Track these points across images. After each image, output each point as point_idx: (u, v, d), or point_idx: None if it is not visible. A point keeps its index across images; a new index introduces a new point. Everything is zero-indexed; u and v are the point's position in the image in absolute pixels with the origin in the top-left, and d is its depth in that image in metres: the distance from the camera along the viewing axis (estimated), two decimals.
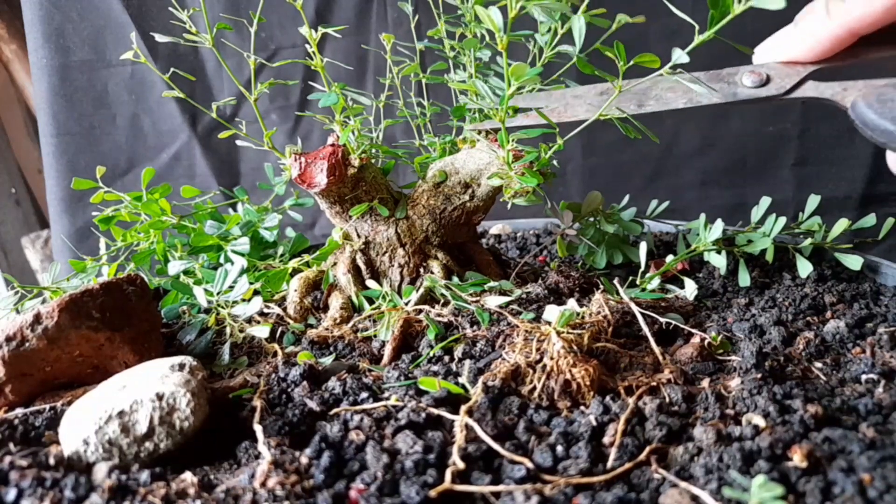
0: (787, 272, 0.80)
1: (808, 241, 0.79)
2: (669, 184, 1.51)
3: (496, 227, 1.16)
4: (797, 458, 0.41)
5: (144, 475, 0.41)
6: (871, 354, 0.58)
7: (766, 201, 0.83)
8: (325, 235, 1.32)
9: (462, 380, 0.53)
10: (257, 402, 0.50)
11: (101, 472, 0.42)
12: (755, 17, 0.55)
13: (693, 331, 0.61)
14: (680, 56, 0.55)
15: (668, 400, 0.49)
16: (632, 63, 0.56)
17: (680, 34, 0.64)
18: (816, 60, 0.60)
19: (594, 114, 0.64)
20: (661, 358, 0.56)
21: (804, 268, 0.75)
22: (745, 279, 0.75)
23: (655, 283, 0.71)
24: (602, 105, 0.64)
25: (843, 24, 0.56)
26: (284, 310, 0.72)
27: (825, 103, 0.61)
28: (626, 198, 0.89)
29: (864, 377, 0.54)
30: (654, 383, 0.51)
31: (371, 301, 0.71)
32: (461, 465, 0.41)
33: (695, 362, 0.57)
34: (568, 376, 0.50)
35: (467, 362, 0.56)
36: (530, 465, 0.42)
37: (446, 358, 0.60)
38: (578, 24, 0.58)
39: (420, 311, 0.66)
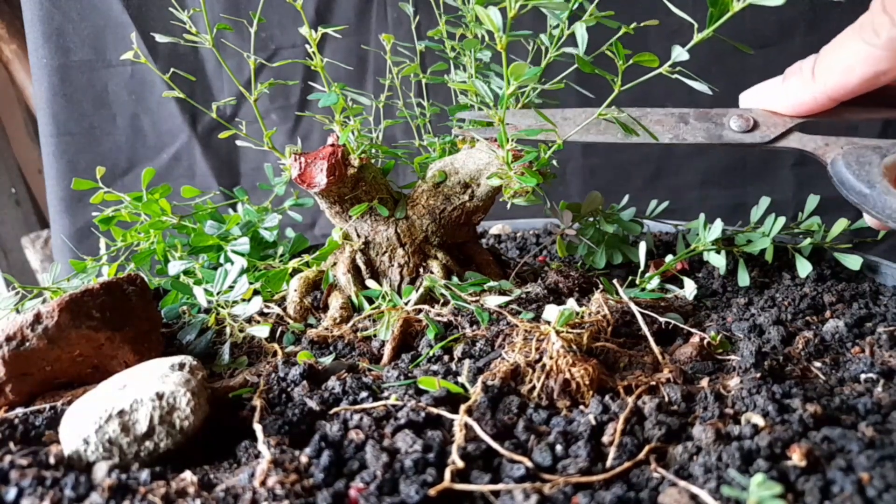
0: (786, 272, 0.80)
1: (808, 240, 0.80)
2: (669, 184, 1.51)
3: (496, 227, 1.16)
4: (796, 457, 0.41)
5: (144, 474, 0.42)
6: (870, 354, 0.58)
7: (765, 201, 0.83)
8: (325, 235, 1.32)
9: (461, 379, 0.53)
10: (257, 402, 0.50)
11: (101, 471, 0.42)
12: (755, 15, 0.55)
13: (692, 330, 0.61)
14: (680, 54, 0.55)
15: (667, 399, 0.49)
16: (631, 62, 0.56)
17: (680, 33, 0.64)
18: (800, 117, 0.63)
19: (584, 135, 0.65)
20: (660, 357, 0.56)
21: (804, 268, 0.75)
22: (744, 279, 0.75)
23: (655, 282, 0.71)
24: (598, 126, 0.65)
25: (825, 90, 0.59)
26: (284, 310, 0.72)
27: (808, 155, 0.63)
28: (626, 198, 0.89)
29: (863, 376, 0.54)
30: (654, 383, 0.51)
31: (371, 301, 0.71)
32: (460, 464, 0.41)
33: (694, 362, 0.57)
34: (567, 376, 0.50)
35: (467, 362, 0.56)
36: (529, 464, 0.42)
37: (446, 357, 0.60)
38: (580, 31, 0.58)
39: (420, 310, 0.67)
